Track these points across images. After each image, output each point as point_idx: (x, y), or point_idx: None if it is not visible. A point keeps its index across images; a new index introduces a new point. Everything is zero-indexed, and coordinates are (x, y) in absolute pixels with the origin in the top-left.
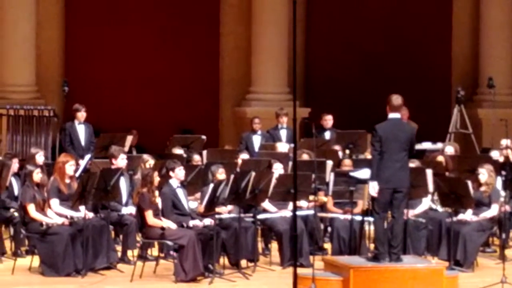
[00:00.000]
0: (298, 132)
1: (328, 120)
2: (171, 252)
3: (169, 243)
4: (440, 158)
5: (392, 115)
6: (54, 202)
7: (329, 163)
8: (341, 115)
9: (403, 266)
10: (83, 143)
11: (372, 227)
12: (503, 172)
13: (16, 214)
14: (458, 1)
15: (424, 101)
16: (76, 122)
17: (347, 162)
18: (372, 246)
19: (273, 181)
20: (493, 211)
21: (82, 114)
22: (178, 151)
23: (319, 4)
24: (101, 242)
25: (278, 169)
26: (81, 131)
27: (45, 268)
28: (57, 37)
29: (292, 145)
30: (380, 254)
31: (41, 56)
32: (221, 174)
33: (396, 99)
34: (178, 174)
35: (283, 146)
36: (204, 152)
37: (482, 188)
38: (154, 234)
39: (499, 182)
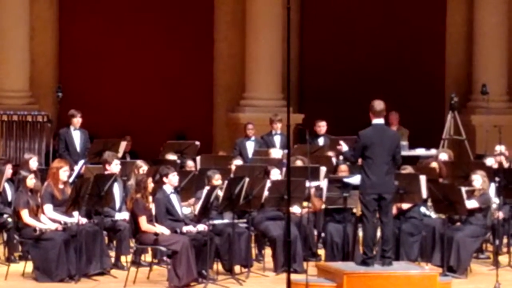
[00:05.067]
0: (291, 138)
1: (322, 126)
2: (165, 258)
3: (163, 248)
4: (434, 164)
5: (376, 121)
6: (48, 207)
7: (323, 169)
8: (335, 121)
9: (397, 272)
10: (78, 149)
11: None
12: (497, 179)
13: (9, 219)
14: (452, 8)
15: (418, 107)
16: (71, 128)
17: (343, 167)
18: None
19: (267, 186)
20: (472, 204)
21: (77, 120)
22: (172, 157)
23: (313, 11)
24: (94, 248)
25: (275, 175)
26: (77, 137)
27: (38, 274)
28: (50, 42)
29: (286, 151)
30: (368, 258)
31: (35, 61)
32: (217, 180)
33: (379, 105)
34: (172, 180)
35: (276, 152)
36: (198, 158)
37: (476, 194)
38: (147, 240)
39: (492, 188)
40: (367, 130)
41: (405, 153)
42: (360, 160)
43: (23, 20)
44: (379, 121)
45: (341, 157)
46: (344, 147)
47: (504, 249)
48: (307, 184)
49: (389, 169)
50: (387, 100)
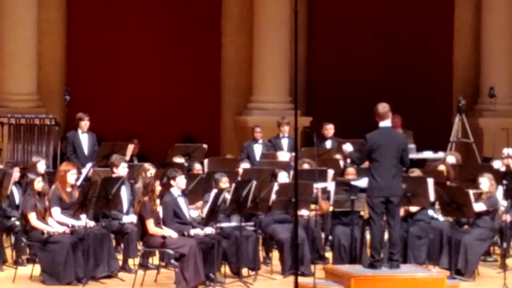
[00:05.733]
0: (299, 141)
1: (329, 129)
2: (172, 261)
3: (170, 251)
4: (442, 167)
5: (382, 124)
6: (55, 210)
7: (330, 172)
8: (342, 124)
9: (404, 275)
10: (86, 152)
11: None
12: (504, 181)
13: (17, 222)
14: (459, 11)
15: (425, 110)
16: (79, 131)
17: (351, 170)
18: None
19: (275, 189)
20: (480, 206)
21: (85, 123)
22: (179, 160)
23: (320, 14)
24: (102, 251)
25: (282, 178)
26: (85, 140)
27: (46, 277)
28: (58, 45)
29: (293, 154)
30: (376, 261)
31: (43, 65)
32: (224, 183)
33: (383, 108)
34: (179, 183)
35: (284, 155)
36: (205, 161)
37: (483, 197)
38: (155, 243)
39: (500, 191)
40: (374, 133)
41: (412, 156)
42: (367, 163)
43: (30, 23)
44: (385, 123)
45: (348, 160)
46: (348, 148)
47: None
48: (315, 186)
49: (396, 172)
50: (395, 103)
